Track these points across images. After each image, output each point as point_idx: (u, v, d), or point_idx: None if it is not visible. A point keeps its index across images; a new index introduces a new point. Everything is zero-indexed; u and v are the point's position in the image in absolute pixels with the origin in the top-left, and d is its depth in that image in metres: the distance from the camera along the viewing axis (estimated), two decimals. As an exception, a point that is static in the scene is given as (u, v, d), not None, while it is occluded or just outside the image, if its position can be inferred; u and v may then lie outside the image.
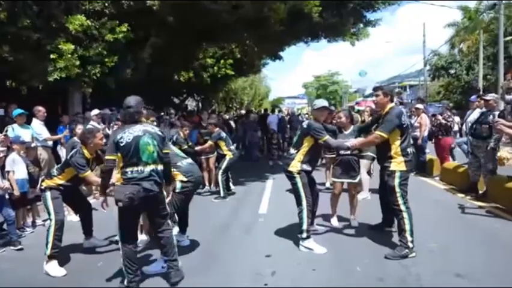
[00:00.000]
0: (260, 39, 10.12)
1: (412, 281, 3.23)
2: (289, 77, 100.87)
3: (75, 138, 5.95)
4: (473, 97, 7.29)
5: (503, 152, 5.24)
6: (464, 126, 6.83)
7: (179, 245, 4.07)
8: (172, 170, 3.65)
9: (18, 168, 4.61)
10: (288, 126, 13.47)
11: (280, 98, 53.66)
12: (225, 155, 6.56)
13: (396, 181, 3.72)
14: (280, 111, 16.06)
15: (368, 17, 11.04)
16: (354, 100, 34.26)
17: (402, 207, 3.71)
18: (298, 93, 61.61)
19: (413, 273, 3.35)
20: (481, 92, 15.23)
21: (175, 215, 3.72)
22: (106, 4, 6.96)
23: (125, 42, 7.27)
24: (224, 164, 6.50)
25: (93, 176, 3.86)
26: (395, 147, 3.74)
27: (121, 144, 3.10)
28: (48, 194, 3.73)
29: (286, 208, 5.42)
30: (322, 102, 4.18)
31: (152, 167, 3.13)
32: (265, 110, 15.64)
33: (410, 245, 3.66)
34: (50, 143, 6.53)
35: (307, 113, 17.05)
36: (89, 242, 4.21)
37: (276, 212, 5.52)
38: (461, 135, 7.15)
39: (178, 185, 3.67)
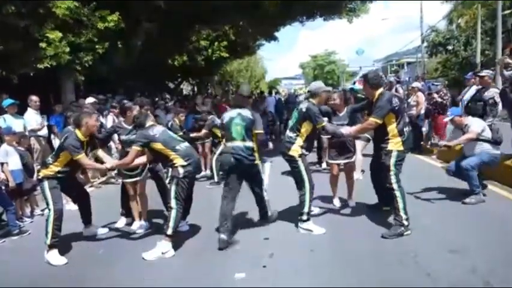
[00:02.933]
0: (254, 20, 9.93)
1: (408, 258, 3.28)
2: (286, 57, 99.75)
3: (69, 127, 5.91)
4: (469, 74, 7.23)
5: None
6: (460, 104, 6.79)
7: (178, 230, 4.11)
8: (171, 153, 3.69)
9: (12, 159, 4.59)
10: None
11: (277, 79, 53.18)
12: (220, 141, 6.54)
13: (392, 160, 3.76)
14: (277, 92, 15.88)
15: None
16: (352, 80, 33.99)
17: (395, 186, 3.76)
18: (295, 73, 61.14)
19: (409, 251, 3.39)
20: (479, 68, 15.12)
21: (179, 204, 3.72)
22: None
23: (116, 30, 7.13)
24: (219, 150, 6.47)
25: (87, 159, 3.83)
26: (392, 129, 3.79)
27: None
28: (45, 183, 3.72)
29: (284, 191, 5.42)
30: (318, 85, 4.15)
31: None
32: (262, 92, 15.51)
33: (405, 222, 3.72)
34: (44, 132, 6.47)
35: (305, 92, 16.97)
36: (89, 231, 4.24)
37: (274, 195, 5.46)
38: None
39: (180, 170, 3.68)
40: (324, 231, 3.90)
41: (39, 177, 3.81)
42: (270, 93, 14.58)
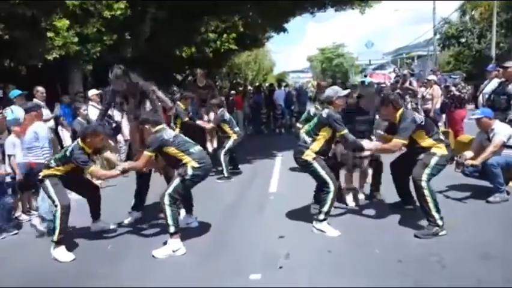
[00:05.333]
0: (264, 10, 9.67)
1: (434, 262, 3.09)
2: (293, 50, 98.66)
3: (79, 118, 5.83)
4: (490, 66, 6.94)
5: None
6: (480, 98, 6.51)
7: (188, 227, 3.96)
8: (185, 156, 3.55)
9: (19, 151, 4.46)
10: (295, 100, 13.20)
11: (285, 72, 52.64)
12: (229, 137, 6.34)
13: (433, 161, 3.60)
14: (286, 85, 15.63)
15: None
16: (363, 73, 33.45)
17: (424, 184, 3.55)
18: (303, 66, 60.55)
19: (433, 254, 3.20)
20: (494, 61, 14.67)
21: (172, 201, 3.53)
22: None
23: (123, 19, 6.98)
24: (228, 145, 6.27)
25: (99, 170, 3.79)
26: (428, 143, 3.68)
27: None
28: (47, 181, 3.62)
29: (297, 186, 5.28)
30: (330, 93, 3.89)
31: None
32: (271, 84, 15.26)
33: (439, 222, 3.52)
34: (51, 124, 6.35)
35: (313, 86, 16.78)
36: (97, 225, 4.12)
37: (287, 191, 5.37)
38: (476, 107, 6.83)
39: (190, 171, 3.52)
40: (339, 234, 3.68)
41: (40, 177, 3.68)
42: (279, 86, 14.30)
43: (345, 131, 3.70)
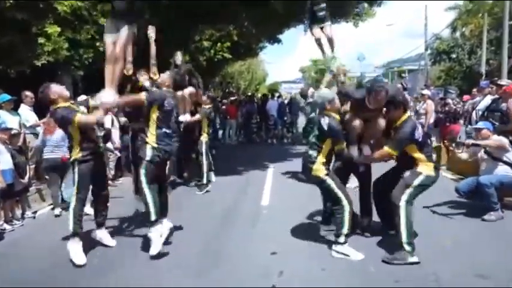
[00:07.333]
0: (260, 20, 9.68)
1: (430, 282, 3.01)
2: (286, 61, 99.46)
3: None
4: (484, 83, 6.98)
5: None
6: (473, 114, 6.53)
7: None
8: (150, 132, 3.57)
9: (2, 158, 4.29)
10: (288, 110, 13.17)
11: (277, 82, 52.86)
12: (199, 139, 6.16)
13: (417, 182, 3.42)
14: (280, 96, 15.61)
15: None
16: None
17: (402, 203, 3.36)
18: (295, 77, 60.90)
19: (429, 274, 3.12)
20: (484, 77, 14.93)
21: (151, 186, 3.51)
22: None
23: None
24: (204, 149, 6.12)
25: (84, 115, 3.64)
26: (418, 156, 3.51)
27: None
28: (76, 168, 3.50)
29: (290, 199, 5.19)
30: (325, 95, 3.71)
31: None
32: (264, 95, 15.24)
33: (407, 247, 3.28)
34: (40, 129, 6.16)
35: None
36: (100, 232, 3.86)
37: (280, 204, 5.26)
38: (470, 124, 6.85)
39: (149, 152, 3.49)
40: (363, 257, 3.39)
41: (70, 160, 3.60)
42: (272, 96, 14.27)
43: (343, 146, 3.58)
